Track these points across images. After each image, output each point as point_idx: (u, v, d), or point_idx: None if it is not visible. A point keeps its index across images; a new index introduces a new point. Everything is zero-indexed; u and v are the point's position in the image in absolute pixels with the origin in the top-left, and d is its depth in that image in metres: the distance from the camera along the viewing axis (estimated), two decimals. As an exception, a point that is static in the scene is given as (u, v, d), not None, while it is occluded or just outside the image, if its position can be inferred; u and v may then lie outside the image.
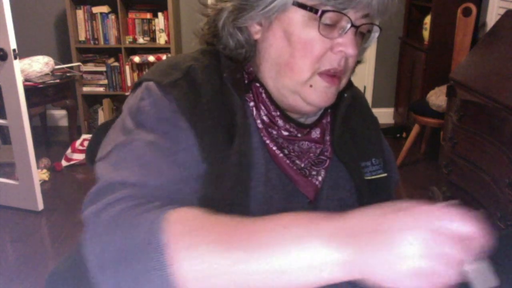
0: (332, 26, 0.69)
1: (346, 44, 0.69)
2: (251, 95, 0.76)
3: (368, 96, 4.31)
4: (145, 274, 0.50)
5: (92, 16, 3.85)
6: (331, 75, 0.71)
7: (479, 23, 3.27)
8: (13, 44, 2.50)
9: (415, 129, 3.29)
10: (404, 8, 4.00)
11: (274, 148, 0.75)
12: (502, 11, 2.87)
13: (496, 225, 1.97)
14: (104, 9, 3.85)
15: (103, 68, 3.99)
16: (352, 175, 0.80)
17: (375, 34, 0.76)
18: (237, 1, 0.71)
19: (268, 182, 0.73)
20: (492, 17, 3.16)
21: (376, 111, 4.32)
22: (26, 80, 3.22)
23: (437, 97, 3.06)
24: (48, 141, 3.86)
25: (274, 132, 0.75)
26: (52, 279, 0.83)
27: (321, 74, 0.71)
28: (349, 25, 0.69)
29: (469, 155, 2.25)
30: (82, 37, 3.89)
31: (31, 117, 2.83)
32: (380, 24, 0.76)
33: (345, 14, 0.68)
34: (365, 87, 4.31)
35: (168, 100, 0.68)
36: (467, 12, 3.00)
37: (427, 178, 3.23)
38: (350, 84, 0.81)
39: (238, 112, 0.70)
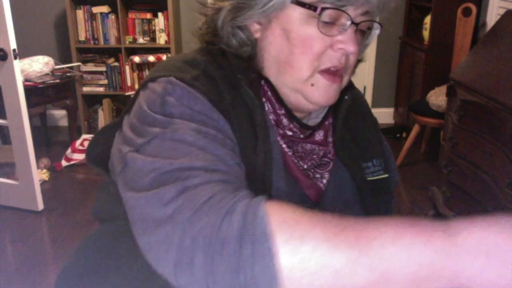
0: (331, 23, 0.69)
1: (346, 41, 0.69)
2: (261, 92, 0.75)
3: (368, 96, 4.31)
4: (246, 264, 0.46)
5: (92, 16, 3.85)
6: (332, 73, 0.71)
7: (479, 23, 3.27)
8: (13, 44, 2.50)
9: (415, 129, 3.29)
10: (404, 8, 4.00)
11: (284, 146, 0.75)
12: (502, 11, 2.87)
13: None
14: (104, 9, 3.85)
15: (103, 68, 3.99)
16: (353, 176, 0.80)
17: (376, 31, 0.76)
18: (235, 0, 0.71)
19: (286, 178, 0.72)
20: (492, 17, 3.16)
21: (376, 111, 4.30)
22: (26, 80, 3.22)
23: (437, 97, 3.06)
24: (48, 141, 3.86)
25: (280, 131, 0.75)
26: (64, 276, 0.82)
27: (321, 72, 0.71)
28: (348, 23, 0.68)
29: (469, 155, 2.25)
30: (82, 37, 3.89)
31: (31, 117, 2.83)
32: (380, 21, 0.76)
33: (344, 11, 0.68)
34: (365, 87, 4.31)
35: (196, 94, 0.65)
36: (467, 12, 3.00)
37: (427, 178, 3.24)
38: (350, 85, 0.81)
39: (256, 110, 0.70)
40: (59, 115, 4.25)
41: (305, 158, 0.77)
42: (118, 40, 3.88)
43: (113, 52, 4.00)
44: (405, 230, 0.46)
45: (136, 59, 3.85)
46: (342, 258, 0.45)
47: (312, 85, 0.71)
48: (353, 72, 0.80)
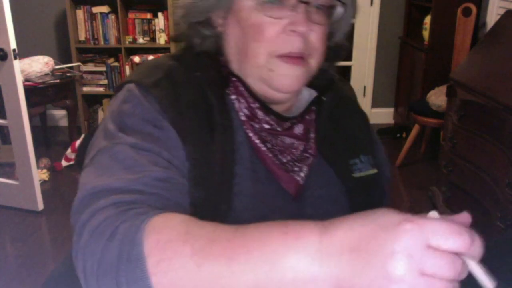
0: (280, 6, 0.68)
1: (296, 22, 0.68)
2: (232, 88, 0.75)
3: (368, 96, 4.31)
4: (125, 287, 0.49)
5: (92, 16, 3.85)
6: (292, 57, 0.70)
7: (479, 23, 3.27)
8: (13, 44, 2.50)
9: (415, 129, 3.29)
10: (404, 8, 4.00)
11: (257, 141, 0.73)
12: (502, 11, 2.87)
13: (496, 225, 1.97)
14: (104, 9, 3.85)
15: (103, 68, 3.99)
16: (338, 173, 0.79)
17: (339, 9, 0.74)
18: None
19: (255, 177, 0.71)
20: (492, 17, 3.16)
21: (376, 111, 4.30)
22: (26, 80, 3.22)
23: (437, 97, 3.06)
24: (48, 141, 3.86)
25: (257, 125, 0.74)
26: (50, 283, 0.82)
27: (280, 56, 0.70)
28: (294, 1, 0.68)
29: (469, 155, 2.25)
30: (82, 37, 3.89)
31: (31, 117, 2.83)
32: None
33: None
34: (365, 87, 4.31)
35: (149, 101, 0.67)
36: (467, 12, 3.00)
37: (427, 178, 3.23)
38: (332, 82, 0.81)
39: (215, 109, 0.70)
40: (59, 115, 4.25)
41: (285, 151, 0.75)
42: (118, 40, 3.88)
43: (113, 52, 4.00)
44: (277, 234, 0.46)
45: (136, 59, 3.85)
46: (208, 272, 0.46)
47: (271, 70, 0.71)
48: (334, 58, 0.78)
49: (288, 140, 0.76)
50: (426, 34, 3.52)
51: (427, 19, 3.51)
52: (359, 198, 0.79)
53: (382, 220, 0.43)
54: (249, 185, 0.70)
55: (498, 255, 0.54)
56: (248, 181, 0.70)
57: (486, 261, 0.43)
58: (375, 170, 0.82)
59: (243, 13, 0.70)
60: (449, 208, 2.43)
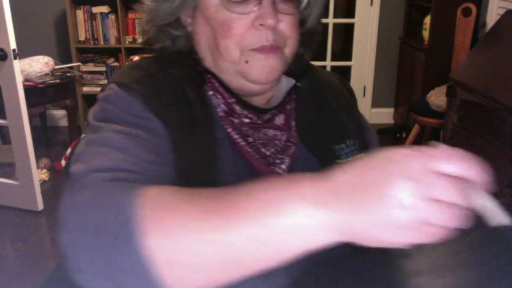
0: (245, 1, 0.68)
1: (263, 15, 0.67)
2: (209, 84, 0.75)
3: (368, 96, 4.31)
4: (116, 249, 0.46)
5: (92, 16, 3.85)
6: (266, 48, 0.69)
7: (479, 23, 3.26)
8: (13, 44, 2.50)
9: (415, 129, 3.29)
10: (404, 8, 4.00)
11: (236, 137, 0.73)
12: (502, 11, 2.87)
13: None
14: (104, 9, 3.85)
15: (103, 68, 3.99)
16: (320, 160, 0.77)
17: None
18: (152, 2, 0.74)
19: (236, 173, 0.71)
20: (492, 17, 3.16)
21: (376, 111, 4.29)
22: (26, 80, 3.22)
23: (437, 97, 3.06)
24: (48, 141, 3.86)
25: (236, 120, 0.74)
26: (50, 283, 0.82)
27: (252, 50, 0.69)
28: None
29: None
30: (82, 37, 3.89)
31: (31, 117, 2.83)
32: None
33: None
34: (365, 87, 4.31)
35: (132, 96, 0.67)
36: (467, 12, 3.00)
37: (427, 178, 3.23)
38: (307, 69, 0.80)
39: (195, 104, 0.70)
40: (59, 115, 4.25)
41: (268, 144, 0.75)
42: (118, 40, 3.88)
43: (113, 52, 4.00)
44: (272, 186, 0.45)
45: (136, 59, 3.84)
46: (211, 229, 0.44)
47: (247, 62, 0.70)
48: (309, 43, 0.78)
49: (271, 132, 0.76)
50: (426, 34, 3.52)
51: (427, 19, 3.51)
52: None
53: (379, 155, 0.42)
54: (231, 181, 0.70)
55: (481, 245, 0.54)
56: (230, 177, 0.70)
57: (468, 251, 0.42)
58: (362, 154, 0.80)
59: (209, 11, 0.70)
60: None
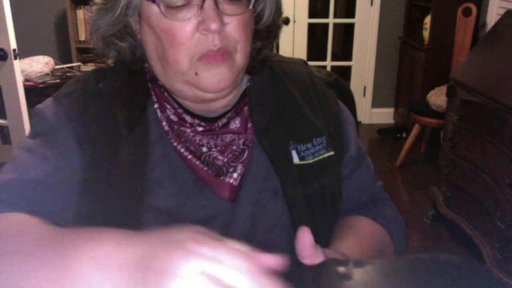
0: (187, 7, 0.64)
1: (206, 20, 0.63)
2: (154, 96, 0.73)
3: (368, 96, 4.31)
4: None
5: (92, 16, 3.85)
6: (213, 55, 0.66)
7: (479, 23, 3.27)
8: (13, 44, 2.50)
9: (415, 129, 3.30)
10: (404, 8, 4.00)
11: (182, 150, 0.71)
12: (502, 11, 2.87)
13: (496, 225, 1.97)
14: (104, 9, 3.85)
15: (103, 68, 3.99)
16: (276, 163, 0.73)
17: None
18: (97, 9, 0.75)
19: (180, 189, 0.70)
20: (492, 17, 3.16)
21: (376, 111, 4.29)
22: (26, 80, 3.22)
23: (437, 97, 3.07)
24: (48, 141, 3.86)
25: (188, 130, 0.72)
26: None
27: (201, 58, 0.66)
28: None
29: (469, 155, 2.25)
30: (82, 37, 3.89)
31: (31, 117, 2.83)
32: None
33: None
34: (365, 87, 4.31)
35: (56, 109, 0.71)
36: (467, 12, 3.00)
37: (427, 178, 3.23)
38: (265, 64, 0.77)
39: (122, 123, 0.69)
40: (59, 115, 4.25)
41: (225, 150, 0.72)
42: (118, 40, 3.88)
43: (113, 52, 4.00)
44: (77, 239, 0.47)
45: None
46: (21, 271, 0.47)
47: (196, 74, 0.67)
48: (268, 37, 0.75)
49: (229, 137, 0.73)
50: (426, 34, 3.53)
51: (427, 19, 3.51)
52: (315, 182, 0.75)
53: (169, 239, 0.42)
54: (170, 196, 0.70)
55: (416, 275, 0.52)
56: (171, 195, 0.70)
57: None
58: (331, 153, 0.76)
59: (152, 20, 0.67)
60: (449, 208, 2.44)
